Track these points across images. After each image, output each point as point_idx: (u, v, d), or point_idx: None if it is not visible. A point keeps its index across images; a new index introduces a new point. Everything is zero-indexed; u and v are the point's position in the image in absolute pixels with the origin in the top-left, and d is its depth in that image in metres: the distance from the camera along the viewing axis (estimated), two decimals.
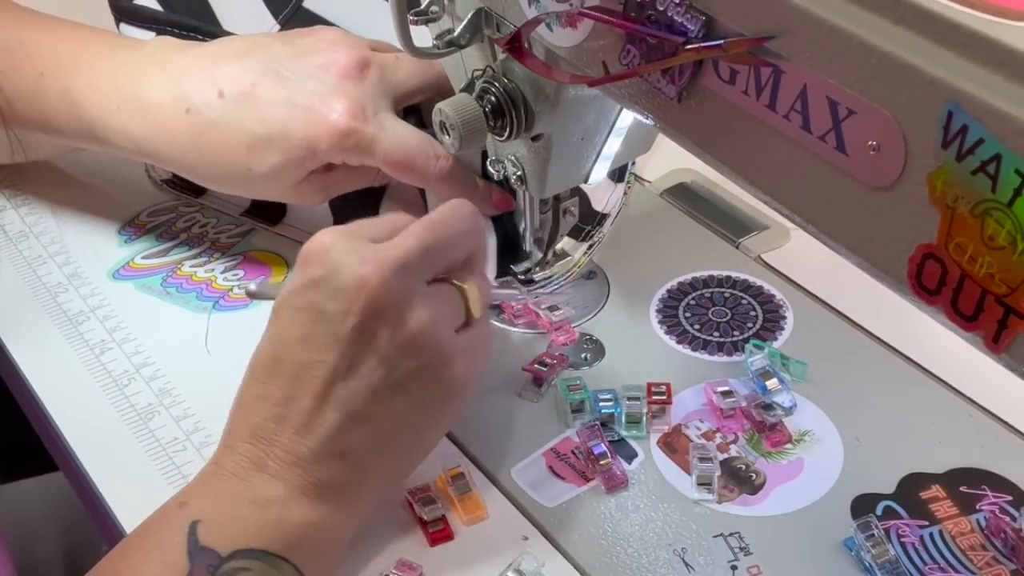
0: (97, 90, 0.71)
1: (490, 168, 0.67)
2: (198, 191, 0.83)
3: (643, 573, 0.57)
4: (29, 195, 0.83)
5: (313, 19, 0.81)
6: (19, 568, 0.81)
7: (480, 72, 0.62)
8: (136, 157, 0.72)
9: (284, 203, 0.80)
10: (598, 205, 0.76)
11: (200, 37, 0.78)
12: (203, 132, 0.68)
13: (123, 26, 0.81)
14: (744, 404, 0.66)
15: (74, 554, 0.83)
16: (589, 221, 0.76)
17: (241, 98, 0.67)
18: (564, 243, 0.75)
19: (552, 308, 0.71)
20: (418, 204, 0.75)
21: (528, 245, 0.72)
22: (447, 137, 0.62)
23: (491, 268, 0.73)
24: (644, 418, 0.65)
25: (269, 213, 0.80)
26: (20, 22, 0.75)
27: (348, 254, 0.55)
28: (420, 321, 0.54)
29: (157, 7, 0.80)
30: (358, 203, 0.76)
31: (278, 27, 0.81)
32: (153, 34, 0.79)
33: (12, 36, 0.74)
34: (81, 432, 0.66)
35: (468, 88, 0.63)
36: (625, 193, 0.76)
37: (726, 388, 0.66)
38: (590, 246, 0.75)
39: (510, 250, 0.74)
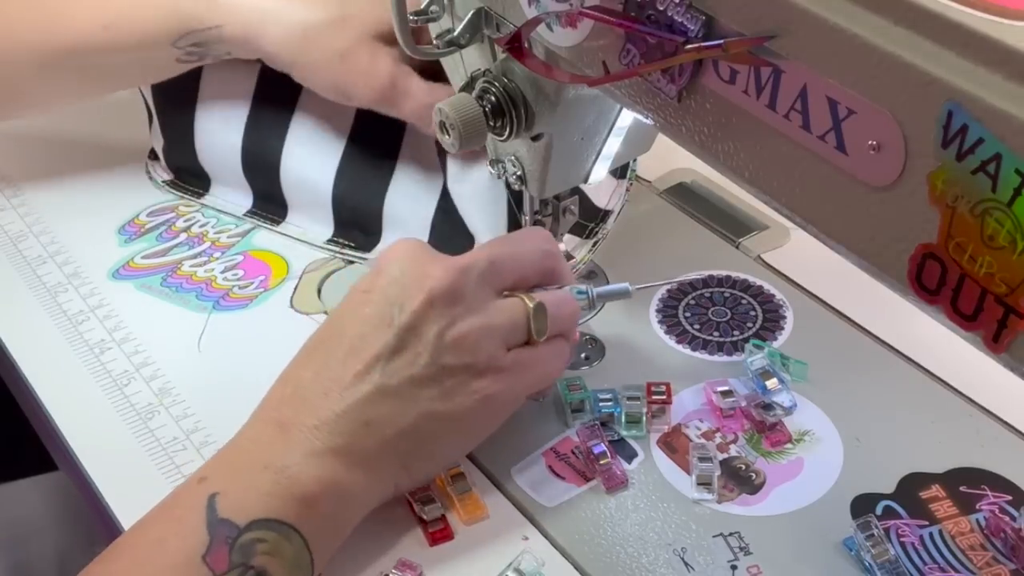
0: None
1: (490, 168, 0.67)
2: (199, 192, 0.83)
3: (643, 573, 0.57)
4: (29, 195, 0.83)
5: None
6: (13, 567, 0.81)
7: (480, 72, 0.62)
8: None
9: (285, 203, 0.80)
10: (600, 202, 0.77)
11: None
12: None
13: None
14: (744, 404, 0.66)
15: (69, 553, 0.83)
16: (592, 218, 0.76)
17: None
18: (568, 241, 0.75)
19: None
20: (425, 200, 0.75)
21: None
22: (447, 137, 0.62)
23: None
24: (644, 418, 0.65)
25: (271, 212, 0.80)
26: None
27: (420, 255, 0.59)
28: (470, 324, 0.57)
29: None
30: (361, 198, 0.76)
31: None
32: None
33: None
34: (81, 432, 0.66)
35: (468, 88, 0.63)
36: (627, 189, 0.76)
37: (726, 388, 0.66)
38: (595, 243, 0.75)
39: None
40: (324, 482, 0.55)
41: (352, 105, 0.74)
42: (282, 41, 0.71)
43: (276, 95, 0.78)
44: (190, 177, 0.83)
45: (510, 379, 0.59)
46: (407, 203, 0.76)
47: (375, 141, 0.76)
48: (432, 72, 0.71)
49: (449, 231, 0.76)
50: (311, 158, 0.77)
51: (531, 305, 0.59)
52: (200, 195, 0.83)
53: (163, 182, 0.84)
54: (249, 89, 0.78)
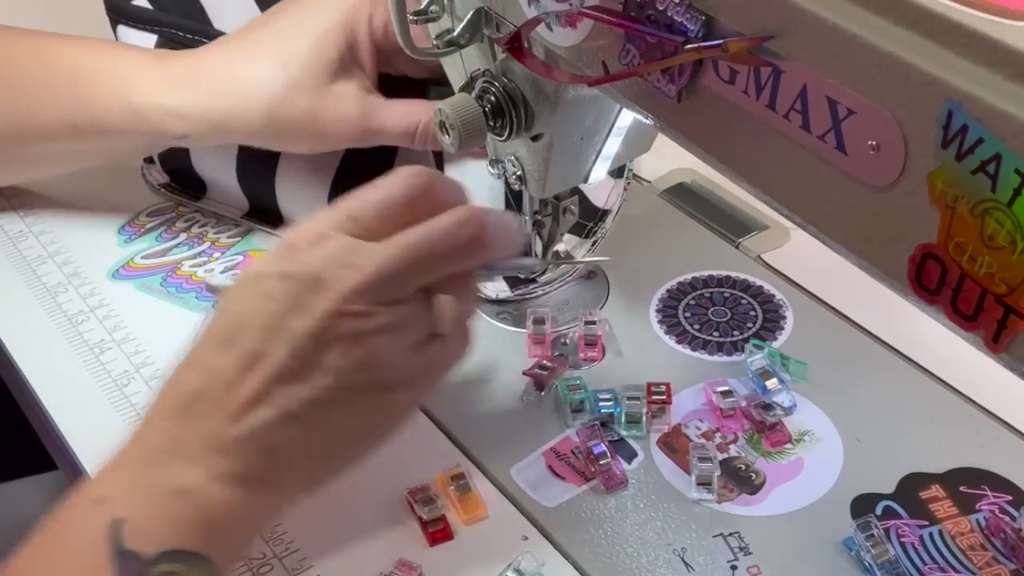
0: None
1: (490, 168, 0.67)
2: (196, 195, 0.82)
3: (643, 573, 0.57)
4: (29, 195, 0.83)
5: None
6: None
7: (480, 72, 0.62)
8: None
9: (281, 215, 0.79)
10: (598, 202, 0.77)
11: (204, 41, 0.78)
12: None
13: (120, 28, 0.80)
14: (744, 404, 0.66)
15: None
16: (591, 218, 0.76)
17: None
18: (567, 241, 0.76)
19: (538, 321, 0.71)
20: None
21: (531, 245, 0.73)
22: (447, 137, 0.62)
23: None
24: (644, 418, 0.65)
25: (269, 216, 0.80)
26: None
27: (323, 255, 0.54)
28: (376, 341, 0.53)
29: (149, 7, 0.80)
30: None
31: None
32: (155, 36, 0.79)
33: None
34: (81, 432, 0.66)
35: (468, 88, 0.63)
36: (625, 189, 0.76)
37: (726, 388, 0.66)
38: (594, 243, 0.75)
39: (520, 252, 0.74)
40: (230, 508, 0.53)
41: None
42: (253, 131, 0.71)
43: None
44: (186, 181, 0.83)
45: (419, 385, 0.57)
46: None
47: (370, 154, 0.76)
48: (398, 80, 0.72)
49: None
50: (307, 173, 0.77)
51: (441, 302, 0.56)
52: (197, 198, 0.83)
53: (159, 185, 0.83)
54: None
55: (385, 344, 0.53)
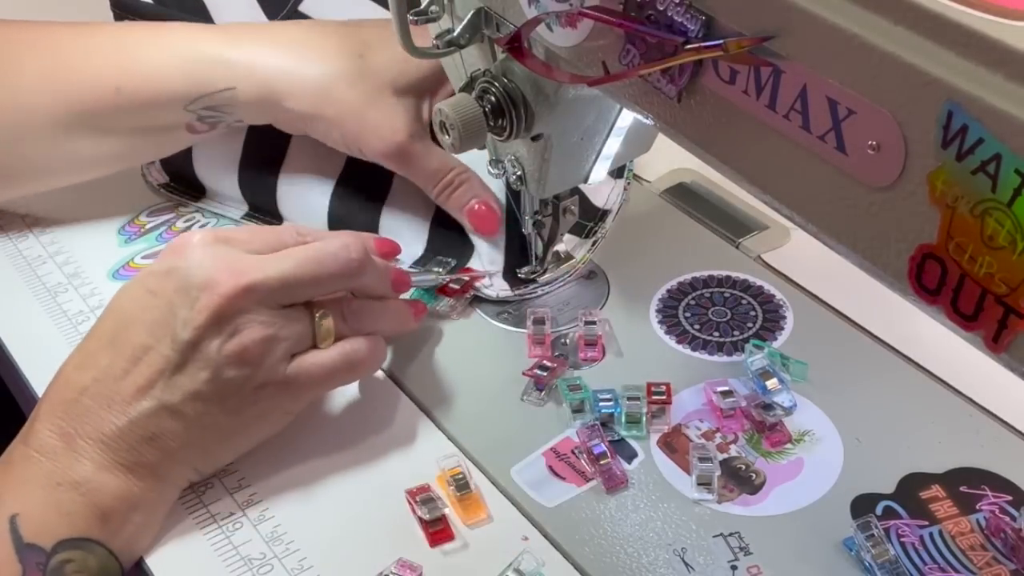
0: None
1: (490, 168, 0.67)
2: (196, 195, 0.82)
3: (643, 573, 0.57)
4: (29, 195, 0.83)
5: None
6: None
7: (480, 72, 0.62)
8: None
9: (280, 217, 0.79)
10: (598, 202, 0.77)
11: None
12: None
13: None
14: (744, 404, 0.66)
15: None
16: (591, 218, 0.76)
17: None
18: (567, 241, 0.76)
19: (538, 321, 0.71)
20: (422, 213, 0.75)
21: (531, 245, 0.73)
22: (447, 137, 0.62)
23: (498, 262, 0.73)
24: (644, 418, 0.65)
25: (269, 216, 0.80)
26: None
27: (211, 256, 0.57)
28: (252, 338, 0.57)
29: (152, 2, 0.80)
30: (357, 213, 0.76)
31: None
32: None
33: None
34: None
35: (468, 88, 0.63)
36: (625, 189, 0.76)
37: (726, 388, 0.66)
38: (594, 243, 0.75)
39: (520, 253, 0.74)
40: (118, 496, 0.56)
41: (361, 158, 0.73)
42: (298, 99, 0.69)
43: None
44: (185, 183, 0.83)
45: (292, 388, 0.59)
46: (402, 220, 0.76)
47: (372, 164, 0.76)
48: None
49: (447, 244, 0.76)
50: (308, 182, 0.77)
51: (318, 318, 0.60)
52: (197, 198, 0.82)
53: (159, 185, 0.83)
54: None
55: (262, 344, 0.57)
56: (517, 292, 0.74)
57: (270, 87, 0.69)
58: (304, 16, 0.80)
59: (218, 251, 0.58)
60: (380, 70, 0.69)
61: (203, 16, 0.80)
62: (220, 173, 0.79)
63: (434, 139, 0.69)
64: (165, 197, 0.83)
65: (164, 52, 0.71)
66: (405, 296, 0.69)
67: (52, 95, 0.71)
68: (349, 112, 0.69)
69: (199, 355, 0.56)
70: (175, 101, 0.71)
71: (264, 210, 0.80)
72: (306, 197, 0.77)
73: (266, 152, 0.77)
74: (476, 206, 0.72)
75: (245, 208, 0.81)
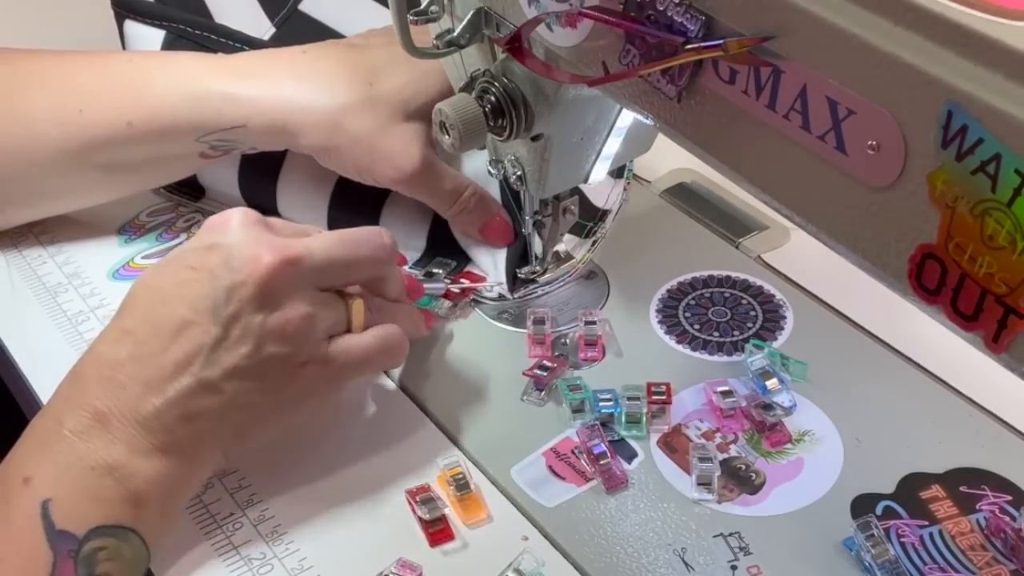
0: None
1: (490, 168, 0.67)
2: (196, 195, 0.82)
3: (643, 573, 0.57)
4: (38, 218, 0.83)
5: (309, 22, 0.81)
6: None
7: (480, 72, 0.62)
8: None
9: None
10: (598, 202, 0.77)
11: (213, 37, 0.78)
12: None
13: (128, 23, 0.80)
14: (744, 404, 0.66)
15: None
16: (591, 218, 0.76)
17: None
18: (567, 241, 0.76)
19: (538, 321, 0.71)
20: (421, 215, 0.75)
21: (530, 245, 0.73)
22: (447, 137, 0.62)
23: (501, 272, 0.73)
24: (644, 418, 0.65)
25: (265, 215, 0.80)
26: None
27: (251, 233, 0.57)
28: (295, 313, 0.57)
29: (154, 0, 0.80)
30: (356, 217, 0.76)
31: (273, 29, 0.81)
32: (163, 32, 0.79)
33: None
34: None
35: (468, 88, 0.63)
36: (625, 189, 0.76)
37: (726, 388, 0.66)
38: (593, 242, 0.75)
39: (521, 254, 0.74)
40: (151, 481, 0.55)
41: (375, 185, 0.73)
42: (309, 133, 0.69)
43: None
44: (186, 184, 0.82)
45: (330, 369, 0.59)
46: (402, 221, 0.76)
47: None
48: None
49: (446, 245, 0.76)
50: (307, 188, 0.77)
51: (352, 304, 0.60)
52: (197, 199, 0.82)
53: (159, 186, 0.83)
54: None
55: (304, 320, 0.57)
56: (518, 295, 0.74)
57: (281, 122, 0.69)
58: (304, 16, 0.80)
59: (259, 230, 0.58)
60: (389, 98, 0.69)
61: (203, 14, 0.80)
62: (221, 175, 0.79)
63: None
64: (165, 197, 0.83)
65: (174, 87, 0.70)
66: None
67: (62, 128, 0.71)
68: (360, 143, 0.69)
69: (241, 329, 0.56)
70: (187, 135, 0.71)
71: (264, 211, 0.79)
72: (306, 199, 0.77)
73: (266, 154, 0.77)
74: (491, 221, 0.73)
75: (245, 205, 0.80)
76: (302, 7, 0.81)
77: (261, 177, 0.78)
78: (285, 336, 0.56)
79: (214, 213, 0.80)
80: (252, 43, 0.78)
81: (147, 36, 0.79)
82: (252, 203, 0.80)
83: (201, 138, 0.71)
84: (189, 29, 0.78)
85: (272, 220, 0.60)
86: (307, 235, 0.60)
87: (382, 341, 0.61)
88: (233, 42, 0.78)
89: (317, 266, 0.58)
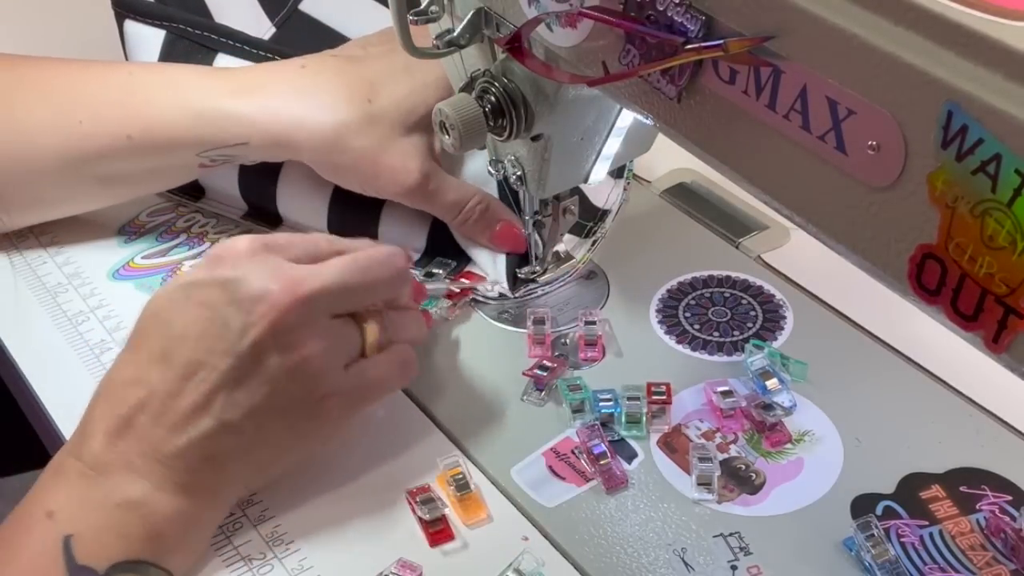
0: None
1: (490, 168, 0.67)
2: (195, 195, 0.82)
3: (643, 573, 0.57)
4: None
5: (309, 22, 0.81)
6: None
7: (480, 72, 0.62)
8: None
9: (280, 220, 0.79)
10: (598, 201, 0.77)
11: (213, 37, 0.78)
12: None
13: (128, 23, 0.80)
14: (744, 404, 0.66)
15: None
16: (591, 218, 0.76)
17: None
18: (567, 241, 0.76)
19: (538, 321, 0.71)
20: (420, 216, 0.75)
21: (530, 246, 0.73)
22: (447, 137, 0.62)
23: (501, 271, 0.73)
24: (644, 418, 0.65)
25: (268, 217, 0.80)
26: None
27: (261, 266, 0.56)
28: (312, 351, 0.56)
29: (154, 0, 0.80)
30: (355, 217, 0.76)
31: (274, 29, 0.81)
32: (163, 32, 0.79)
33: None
34: None
35: (468, 88, 0.63)
36: (625, 189, 0.76)
37: (726, 388, 0.66)
38: (593, 242, 0.75)
39: (521, 255, 0.74)
40: (174, 518, 0.55)
41: (379, 197, 0.73)
42: (311, 150, 0.69)
43: None
44: (184, 185, 0.81)
45: (351, 398, 0.59)
46: (402, 222, 0.76)
47: None
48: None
49: (446, 245, 0.76)
50: (308, 187, 0.77)
51: (367, 328, 0.59)
52: (196, 198, 0.82)
53: None
54: None
55: (320, 355, 0.56)
56: (517, 295, 0.74)
57: (282, 140, 0.69)
58: (304, 16, 0.80)
59: (268, 261, 0.57)
60: (389, 113, 0.69)
61: (203, 14, 0.80)
62: (220, 176, 0.79)
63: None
64: (165, 197, 0.83)
65: (175, 103, 0.70)
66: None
67: (63, 138, 0.71)
68: (362, 159, 0.69)
69: (258, 370, 0.55)
70: (187, 149, 0.71)
71: (263, 212, 0.80)
72: (305, 200, 0.77)
73: (265, 166, 0.77)
74: (500, 228, 0.73)
75: (245, 208, 0.81)
76: (302, 7, 0.81)
77: (261, 178, 0.78)
78: (304, 374, 0.56)
79: (214, 213, 0.81)
80: (252, 43, 0.78)
81: (147, 36, 0.79)
82: (252, 204, 0.80)
83: (202, 153, 0.71)
84: (189, 29, 0.78)
85: (278, 238, 0.59)
86: (315, 248, 0.59)
87: (397, 363, 0.61)
88: (234, 42, 0.78)
89: (330, 297, 0.57)
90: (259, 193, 0.79)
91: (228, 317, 0.55)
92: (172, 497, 0.55)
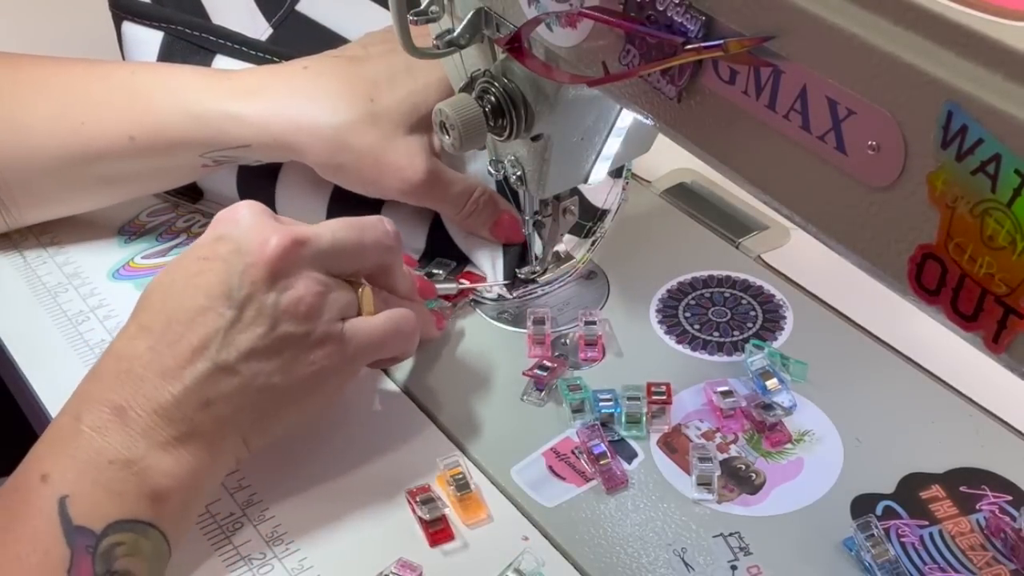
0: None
1: (490, 168, 0.68)
2: (194, 196, 0.82)
3: (643, 573, 0.57)
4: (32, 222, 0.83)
5: (306, 23, 0.81)
6: None
7: (480, 72, 0.62)
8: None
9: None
10: (597, 201, 0.77)
11: (211, 38, 0.78)
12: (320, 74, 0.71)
13: (125, 24, 0.80)
14: (744, 404, 0.66)
15: None
16: (590, 218, 0.76)
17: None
18: (567, 241, 0.76)
19: (538, 321, 0.71)
20: (419, 217, 0.75)
21: (530, 245, 0.73)
22: (447, 137, 0.62)
23: (499, 273, 0.74)
24: (644, 418, 0.65)
25: None
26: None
27: (259, 220, 0.58)
28: (307, 291, 0.57)
29: (151, 1, 0.80)
30: (354, 215, 0.75)
31: (271, 30, 0.81)
32: (161, 33, 0.78)
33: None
34: None
35: (468, 88, 0.63)
36: (624, 188, 0.76)
37: (726, 388, 0.66)
38: (593, 242, 0.76)
39: (519, 254, 0.74)
40: (172, 475, 0.55)
41: (382, 198, 0.73)
42: (314, 151, 0.69)
43: None
44: (183, 186, 0.81)
45: (345, 349, 0.59)
46: (401, 223, 0.75)
47: None
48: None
49: (446, 246, 0.76)
50: (305, 184, 0.76)
51: (362, 290, 0.60)
52: (195, 200, 0.82)
53: None
54: None
55: (317, 297, 0.58)
56: (517, 294, 0.74)
57: (285, 141, 0.69)
58: (301, 16, 0.80)
59: (267, 218, 0.58)
60: (391, 112, 0.69)
61: (199, 11, 0.80)
62: (219, 177, 0.79)
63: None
64: (163, 198, 0.83)
65: (177, 104, 0.70)
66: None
67: (63, 139, 0.71)
68: (365, 159, 0.69)
69: (254, 309, 0.56)
70: (189, 151, 0.71)
71: None
72: (304, 201, 0.77)
73: (263, 167, 0.77)
74: (501, 219, 0.73)
75: None
76: (299, 7, 0.81)
77: (260, 179, 0.78)
78: (299, 314, 0.57)
79: (213, 214, 0.81)
80: (251, 44, 0.78)
81: (145, 38, 0.79)
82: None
83: (204, 154, 0.71)
84: (187, 30, 0.78)
85: (278, 215, 0.61)
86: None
87: (395, 324, 0.61)
88: (232, 43, 0.78)
89: (324, 248, 0.58)
90: (258, 195, 0.78)
91: (229, 262, 0.57)
92: (169, 452, 0.55)
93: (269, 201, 0.78)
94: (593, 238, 0.76)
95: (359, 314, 0.60)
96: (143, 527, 0.54)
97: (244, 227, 0.58)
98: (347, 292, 0.60)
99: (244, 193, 0.79)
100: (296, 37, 0.79)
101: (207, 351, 0.55)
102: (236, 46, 0.78)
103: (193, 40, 0.78)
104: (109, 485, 0.53)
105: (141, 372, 0.55)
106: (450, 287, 0.73)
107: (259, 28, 0.80)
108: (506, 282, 0.74)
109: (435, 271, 0.74)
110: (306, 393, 0.59)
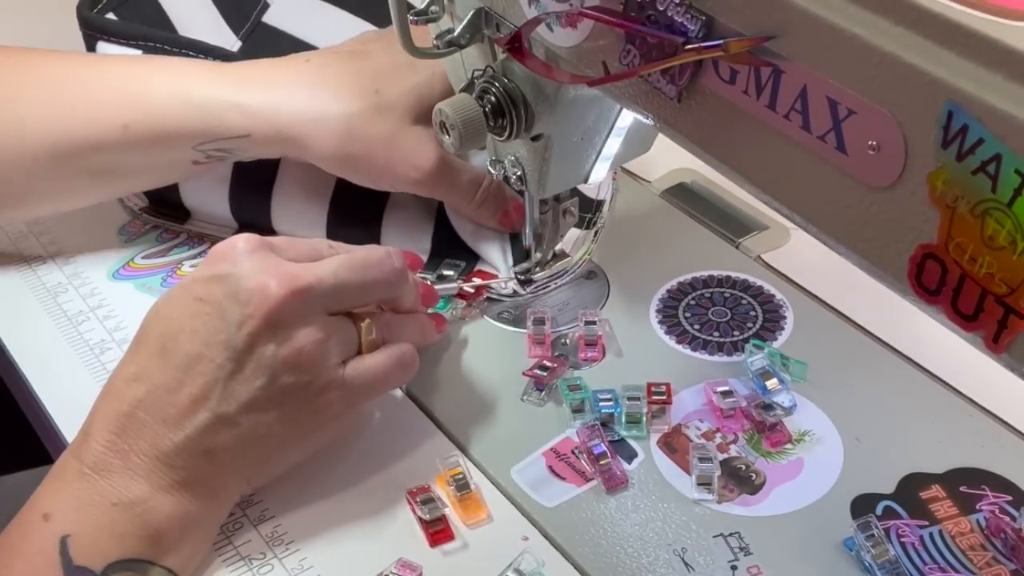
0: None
1: (490, 168, 0.68)
2: (180, 217, 0.80)
3: (643, 573, 0.57)
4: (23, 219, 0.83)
5: (275, 34, 0.80)
6: None
7: (480, 72, 0.62)
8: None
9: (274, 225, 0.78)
10: (591, 194, 0.77)
11: (190, 54, 0.75)
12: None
13: (100, 45, 0.77)
14: (744, 404, 0.66)
15: None
16: (587, 209, 0.76)
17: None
18: (570, 235, 0.75)
19: (538, 321, 0.71)
20: (422, 218, 0.75)
21: (528, 244, 0.73)
22: (447, 137, 0.62)
23: (511, 264, 0.74)
24: (644, 418, 0.65)
25: (261, 233, 0.78)
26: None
27: (259, 261, 0.57)
28: (308, 342, 0.56)
29: (118, 19, 0.78)
30: (356, 225, 0.75)
31: (240, 43, 0.80)
32: (139, 52, 0.76)
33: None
34: None
35: (468, 88, 0.63)
36: (614, 178, 0.76)
37: (726, 388, 0.66)
38: (595, 233, 0.75)
39: (516, 253, 0.74)
40: (173, 516, 0.55)
41: (391, 191, 0.73)
42: (322, 143, 0.68)
43: None
44: (169, 207, 0.80)
45: (348, 393, 0.59)
46: (404, 226, 0.76)
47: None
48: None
49: (453, 246, 0.76)
50: (303, 194, 0.75)
51: (363, 325, 0.59)
52: (181, 221, 0.80)
53: (139, 210, 0.80)
54: None
55: (315, 347, 0.56)
56: (530, 290, 0.74)
57: (289, 132, 0.68)
58: (269, 28, 0.79)
59: (266, 257, 0.57)
60: (398, 102, 0.68)
61: (167, 28, 0.78)
62: (209, 196, 0.77)
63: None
64: (145, 221, 0.81)
65: (175, 92, 0.69)
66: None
67: (54, 126, 0.69)
68: (375, 147, 0.68)
69: (254, 361, 0.55)
70: (184, 141, 0.69)
71: (258, 229, 0.77)
72: (303, 211, 0.76)
73: (257, 171, 0.75)
74: (511, 206, 0.73)
75: (235, 227, 0.78)
76: (266, 19, 0.80)
77: (254, 194, 0.76)
78: (299, 365, 0.56)
79: (204, 235, 0.79)
80: (229, 58, 0.76)
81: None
82: (244, 223, 0.77)
83: (199, 146, 0.69)
84: (166, 47, 0.76)
85: (276, 240, 0.60)
86: (315, 251, 0.60)
87: (396, 359, 0.61)
88: (212, 58, 0.75)
89: (326, 293, 0.57)
90: (253, 211, 0.77)
91: (225, 310, 0.55)
92: (170, 496, 0.55)
93: (265, 217, 0.76)
94: (595, 228, 0.76)
95: (360, 347, 0.60)
96: (143, 566, 0.54)
97: (243, 269, 0.56)
98: (347, 328, 0.59)
99: (237, 211, 0.77)
100: (266, 49, 0.76)
101: (207, 402, 0.55)
102: (217, 62, 0.76)
103: (173, 56, 0.76)
104: (112, 527, 0.54)
105: (143, 417, 0.55)
106: (451, 287, 0.73)
107: (227, 41, 0.79)
108: (520, 276, 0.73)
109: (446, 272, 0.74)
110: (308, 437, 0.59)
